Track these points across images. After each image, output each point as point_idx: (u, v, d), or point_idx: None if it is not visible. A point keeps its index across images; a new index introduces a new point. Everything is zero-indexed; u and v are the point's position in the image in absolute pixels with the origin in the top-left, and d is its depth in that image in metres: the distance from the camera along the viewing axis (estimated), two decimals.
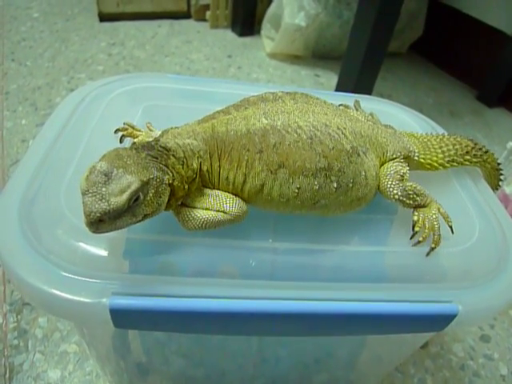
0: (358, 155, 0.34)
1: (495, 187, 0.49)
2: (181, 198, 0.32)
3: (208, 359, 0.54)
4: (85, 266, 0.31)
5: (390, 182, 0.36)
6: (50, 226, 0.33)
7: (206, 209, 0.32)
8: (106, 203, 0.26)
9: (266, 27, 1.45)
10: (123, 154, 0.29)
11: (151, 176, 0.29)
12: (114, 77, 0.52)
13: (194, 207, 0.32)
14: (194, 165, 0.32)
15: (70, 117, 0.44)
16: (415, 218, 0.36)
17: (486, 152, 0.44)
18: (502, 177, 0.49)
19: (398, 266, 0.36)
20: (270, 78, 1.35)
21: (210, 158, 0.33)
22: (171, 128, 0.34)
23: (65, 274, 0.30)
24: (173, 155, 0.31)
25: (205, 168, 0.32)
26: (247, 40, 1.56)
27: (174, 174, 0.31)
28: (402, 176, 0.36)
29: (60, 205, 0.34)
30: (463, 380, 0.66)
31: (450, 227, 0.36)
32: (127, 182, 0.27)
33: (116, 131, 0.41)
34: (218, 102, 0.49)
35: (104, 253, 0.32)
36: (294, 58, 1.47)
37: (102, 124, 0.43)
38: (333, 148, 0.33)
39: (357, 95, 0.54)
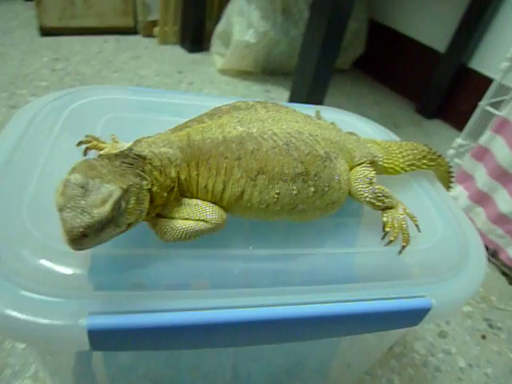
0: (331, 160, 0.35)
1: (447, 188, 0.53)
2: (159, 207, 0.31)
3: (179, 382, 0.52)
4: (55, 286, 0.29)
5: (360, 186, 0.37)
6: (11, 244, 0.31)
7: (185, 219, 0.31)
8: (89, 216, 0.25)
9: (215, 44, 1.47)
10: (95, 164, 0.27)
11: (130, 183, 0.27)
12: (68, 90, 0.50)
13: (172, 218, 0.31)
14: (172, 173, 0.31)
15: (24, 131, 0.41)
16: (384, 219, 0.38)
17: (440, 156, 0.48)
18: (452, 179, 0.53)
19: (370, 266, 0.38)
20: (222, 93, 1.36)
21: (188, 166, 0.32)
22: (143, 137, 0.33)
23: (33, 295, 0.28)
24: (149, 163, 0.30)
25: (183, 177, 0.32)
26: (197, 56, 1.56)
27: (153, 180, 0.30)
28: (370, 180, 0.38)
29: (22, 222, 0.32)
30: (426, 376, 0.68)
31: (417, 226, 0.38)
32: (108, 191, 0.25)
33: (79, 144, 0.39)
34: (181, 113, 0.49)
35: (75, 271, 0.30)
36: (245, 74, 1.49)
37: (62, 138, 0.41)
38: (308, 153, 0.34)
39: (317, 106, 0.56)
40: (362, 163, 0.40)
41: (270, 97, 1.40)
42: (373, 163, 0.41)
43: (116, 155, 0.29)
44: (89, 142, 0.39)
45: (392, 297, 0.34)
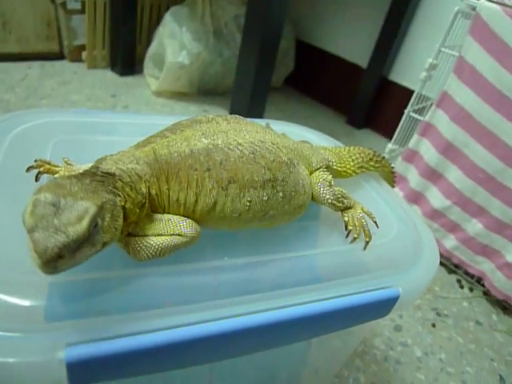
0: (294, 166, 0.37)
1: (392, 186, 0.57)
2: (132, 224, 0.30)
3: None
4: (19, 320, 0.26)
5: (321, 189, 0.39)
6: None
7: (159, 234, 0.30)
8: (64, 235, 0.23)
9: (148, 66, 1.46)
10: (64, 183, 0.26)
11: (104, 199, 0.26)
12: (4, 115, 0.47)
13: (145, 235, 0.30)
14: (143, 189, 0.30)
15: None
16: (346, 218, 0.40)
17: (383, 158, 0.51)
18: (395, 178, 0.57)
19: (335, 265, 0.39)
20: (159, 115, 1.34)
21: (157, 180, 0.31)
22: (106, 156, 0.32)
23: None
24: (119, 180, 0.29)
25: (153, 192, 0.31)
26: (129, 79, 1.53)
27: (125, 196, 0.29)
28: (329, 183, 0.40)
29: None
30: (389, 370, 0.72)
31: (375, 222, 0.41)
32: (83, 208, 0.24)
33: (29, 169, 0.36)
34: (131, 133, 0.48)
35: (38, 302, 0.28)
36: (181, 95, 1.49)
37: (7, 165, 0.38)
38: (273, 160, 0.35)
39: (265, 120, 0.57)
40: (319, 168, 0.42)
41: None
42: (328, 168, 0.43)
43: (83, 174, 0.28)
44: (40, 166, 0.36)
45: (361, 291, 0.36)
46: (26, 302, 0.27)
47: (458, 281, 0.95)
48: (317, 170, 0.42)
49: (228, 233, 0.36)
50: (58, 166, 0.37)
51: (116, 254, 0.31)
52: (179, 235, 0.30)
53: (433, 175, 0.95)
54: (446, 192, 0.93)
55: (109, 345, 0.26)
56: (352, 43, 1.53)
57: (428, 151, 0.94)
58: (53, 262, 0.23)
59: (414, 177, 0.98)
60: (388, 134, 1.47)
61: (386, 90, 1.47)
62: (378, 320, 0.41)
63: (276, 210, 0.35)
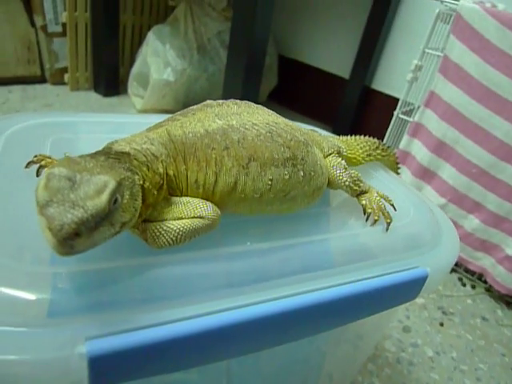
0: (311, 146, 0.36)
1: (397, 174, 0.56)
2: (149, 208, 0.28)
3: None
4: (33, 314, 0.24)
5: (338, 172, 0.38)
6: None
7: (179, 218, 0.28)
8: (82, 209, 0.21)
9: (132, 85, 1.45)
10: (78, 160, 0.24)
11: (122, 176, 0.24)
12: None
13: (164, 220, 0.28)
14: (160, 169, 0.28)
15: None
16: (363, 202, 0.39)
17: (389, 147, 0.51)
18: (399, 168, 0.56)
19: (357, 247, 0.37)
20: None
21: (175, 161, 0.30)
22: (118, 139, 0.30)
23: (6, 328, 0.23)
24: (135, 159, 0.27)
25: (171, 172, 0.29)
26: (113, 100, 1.52)
27: (143, 176, 0.27)
28: (344, 166, 0.39)
29: None
30: (402, 372, 0.69)
31: (392, 205, 0.40)
32: (102, 182, 0.22)
33: (29, 164, 0.34)
34: (130, 131, 0.46)
35: (49, 295, 0.25)
36: (166, 112, 1.47)
37: (6, 161, 0.36)
38: (291, 139, 0.34)
39: None
40: (331, 153, 0.41)
41: None
42: (339, 153, 0.42)
43: (96, 153, 0.26)
44: (40, 160, 0.34)
45: (388, 272, 0.34)
46: (32, 296, 0.25)
47: (460, 279, 0.94)
48: (329, 155, 0.41)
49: (239, 220, 0.34)
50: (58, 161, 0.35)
51: (123, 243, 0.29)
52: (200, 218, 0.28)
53: (426, 174, 0.96)
54: (441, 190, 0.94)
55: (132, 337, 0.24)
56: (333, 55, 1.56)
57: (420, 151, 0.95)
58: (69, 240, 0.20)
59: (407, 177, 0.98)
60: None
61: (369, 98, 1.50)
62: (386, 322, 0.39)
63: (297, 190, 0.34)
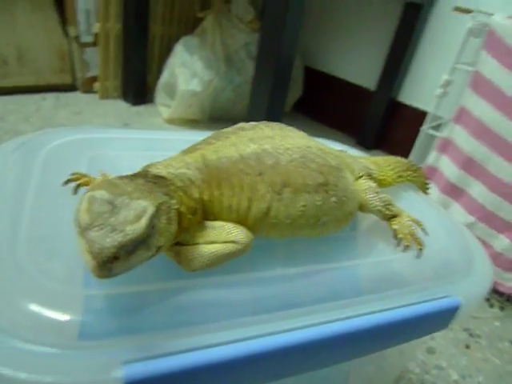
0: (343, 171, 0.36)
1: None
2: (182, 232, 0.28)
3: None
4: (69, 336, 0.25)
5: (369, 196, 0.38)
6: (6, 293, 0.26)
7: (212, 242, 0.29)
8: (121, 234, 0.21)
9: (160, 95, 1.48)
10: (117, 182, 0.25)
11: (160, 201, 0.25)
12: (32, 133, 0.46)
13: (197, 243, 0.29)
14: (195, 194, 0.29)
15: None
16: (394, 226, 0.38)
17: (419, 168, 0.50)
18: (428, 191, 0.56)
19: (385, 275, 0.37)
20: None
21: (209, 186, 0.30)
22: (154, 162, 0.31)
23: (40, 348, 0.23)
24: (171, 184, 0.28)
25: (205, 197, 0.30)
26: (141, 108, 1.55)
27: (180, 200, 0.27)
28: (375, 190, 0.39)
29: (18, 268, 0.27)
30: None
31: (423, 230, 0.39)
32: (141, 207, 0.23)
33: (66, 182, 0.35)
34: (160, 148, 0.47)
35: (83, 317, 0.26)
36: (192, 122, 1.50)
37: (44, 178, 0.37)
38: (324, 164, 0.34)
39: None
40: (362, 176, 0.41)
41: None
42: (369, 176, 0.42)
43: (134, 175, 0.27)
44: (78, 179, 0.35)
45: (418, 301, 0.34)
46: (65, 317, 0.26)
47: (488, 300, 0.92)
48: (360, 177, 0.40)
49: (263, 244, 0.35)
50: (95, 179, 0.36)
51: (155, 265, 0.30)
52: (233, 242, 0.29)
53: (454, 191, 0.94)
54: (469, 208, 0.92)
55: (168, 362, 0.24)
56: (359, 67, 1.55)
57: (448, 167, 0.93)
58: (108, 263, 0.21)
59: (434, 194, 0.96)
60: (400, 154, 1.46)
61: (395, 111, 1.48)
62: (410, 342, 0.38)
63: (329, 215, 0.34)
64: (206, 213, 0.30)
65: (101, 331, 0.25)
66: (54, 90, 1.50)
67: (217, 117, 1.54)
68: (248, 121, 1.14)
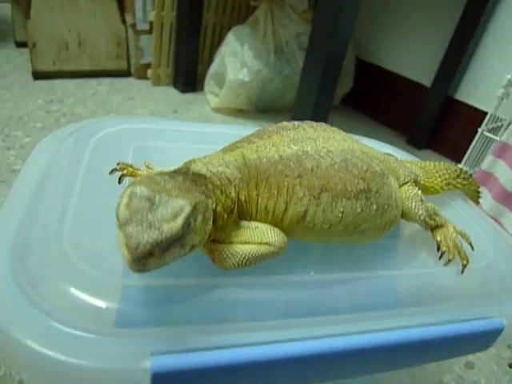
0: (387, 177, 0.34)
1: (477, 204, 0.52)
2: (218, 230, 0.29)
3: None
4: (104, 322, 0.26)
5: (413, 204, 0.36)
6: (52, 277, 0.27)
7: (246, 242, 0.29)
8: (157, 231, 0.22)
9: (209, 84, 1.49)
10: (158, 179, 0.25)
11: (197, 200, 0.25)
12: (87, 120, 0.48)
13: (231, 242, 0.29)
14: (233, 194, 0.29)
15: (50, 164, 0.39)
16: (438, 238, 0.36)
17: (471, 175, 0.47)
18: (480, 200, 0.52)
19: (424, 288, 0.35)
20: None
21: (247, 186, 0.30)
22: (195, 158, 0.31)
23: (82, 334, 0.24)
24: (210, 182, 0.28)
25: (242, 197, 0.30)
26: (190, 96, 1.58)
27: (216, 199, 0.28)
28: (421, 197, 0.37)
29: (63, 253, 0.29)
30: None
31: (470, 244, 0.37)
32: (179, 206, 0.23)
33: (112, 171, 0.37)
34: (205, 141, 0.48)
35: (122, 305, 0.27)
36: (239, 112, 1.51)
37: (92, 165, 0.39)
38: (367, 170, 0.33)
39: None
40: (407, 182, 0.39)
41: None
42: (416, 182, 0.40)
43: (175, 172, 0.27)
44: (123, 168, 0.37)
45: (458, 319, 0.32)
46: (103, 304, 0.27)
47: None
48: (405, 183, 0.39)
49: (299, 247, 0.34)
50: (139, 170, 0.37)
51: (193, 261, 0.30)
52: (267, 244, 0.29)
53: (509, 199, 0.88)
54: None
55: (197, 357, 0.25)
56: (415, 61, 1.48)
57: (504, 173, 0.87)
58: (143, 259, 0.22)
59: (487, 200, 0.91)
60: (452, 155, 1.40)
61: (451, 109, 1.40)
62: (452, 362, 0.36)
63: (368, 223, 0.33)
64: (242, 213, 0.30)
65: (136, 320, 0.26)
66: (109, 75, 1.56)
67: (264, 107, 1.54)
68: (294, 112, 1.13)
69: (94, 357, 0.24)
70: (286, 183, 0.30)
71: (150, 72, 1.57)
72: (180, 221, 0.23)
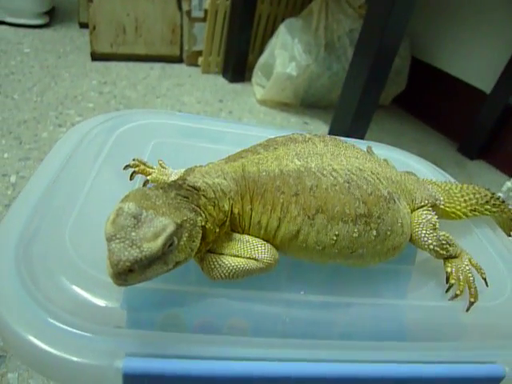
0: (395, 202, 0.33)
1: (508, 235, 0.48)
2: (210, 243, 0.29)
3: None
4: (90, 318, 0.27)
5: (423, 232, 0.34)
6: (51, 269, 0.29)
7: (235, 255, 0.29)
8: (138, 250, 0.23)
9: (256, 75, 1.49)
10: (150, 194, 0.26)
11: (184, 218, 0.26)
12: (116, 112, 0.50)
13: (222, 253, 0.29)
14: (226, 206, 0.29)
15: (72, 152, 0.41)
16: (448, 269, 0.34)
17: (503, 202, 0.44)
18: None
19: (427, 322, 0.34)
20: (260, 123, 1.36)
21: (242, 199, 0.30)
22: (196, 166, 0.32)
23: (65, 327, 0.26)
24: (203, 195, 0.28)
25: (236, 210, 0.30)
26: (238, 86, 1.58)
27: (207, 216, 0.28)
28: (433, 225, 0.35)
29: (64, 247, 0.31)
30: None
31: (484, 279, 0.34)
32: (161, 225, 0.24)
33: (126, 167, 0.38)
34: (229, 142, 0.48)
35: (112, 304, 0.28)
36: (284, 106, 1.50)
37: (108, 160, 0.40)
38: (371, 193, 0.31)
39: (367, 141, 0.53)
40: (423, 206, 0.37)
41: (309, 129, 1.39)
42: (434, 206, 0.38)
43: (170, 185, 0.28)
44: (136, 165, 0.38)
45: (456, 361, 0.30)
46: (99, 302, 0.28)
47: None
48: (420, 207, 0.37)
49: (307, 264, 0.34)
50: (152, 168, 0.38)
51: (193, 268, 0.31)
52: (255, 260, 0.29)
53: None
54: None
55: (170, 364, 0.25)
56: (475, 65, 1.38)
57: None
58: (123, 274, 0.23)
59: None
60: (507, 169, 1.30)
61: (510, 119, 1.30)
62: None
63: (366, 249, 0.31)
64: (234, 225, 0.30)
65: (120, 321, 0.28)
66: (162, 60, 1.60)
67: (310, 103, 1.51)
68: (337, 110, 1.09)
69: (72, 350, 0.25)
70: (281, 200, 0.30)
71: (200, 59, 1.59)
72: (160, 241, 0.24)
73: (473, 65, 1.40)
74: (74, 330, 0.25)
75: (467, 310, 0.32)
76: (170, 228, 0.24)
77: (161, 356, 0.26)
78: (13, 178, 0.88)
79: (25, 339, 0.24)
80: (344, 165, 0.32)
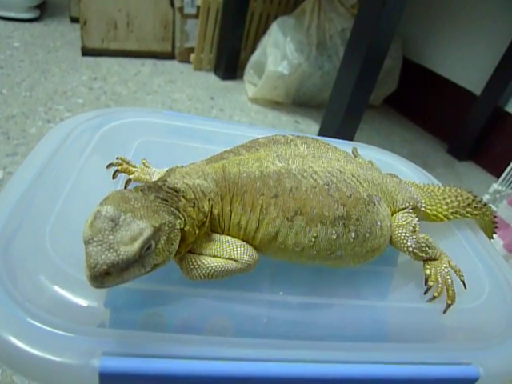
0: (374, 204, 0.33)
1: (490, 238, 0.49)
2: (190, 245, 0.29)
3: None
4: (68, 318, 0.27)
5: (403, 234, 0.35)
6: (29, 268, 0.29)
7: (214, 256, 0.29)
8: (115, 253, 0.23)
9: (248, 73, 1.49)
10: (129, 197, 0.26)
11: (163, 221, 0.26)
12: (103, 109, 0.50)
13: (201, 254, 0.29)
14: (205, 207, 0.29)
15: (56, 150, 0.40)
16: (427, 271, 0.35)
17: (485, 205, 0.44)
18: (496, 229, 0.49)
19: (406, 324, 0.34)
20: (251, 121, 1.36)
21: (221, 200, 0.30)
22: (177, 167, 0.32)
23: (43, 326, 0.26)
24: (183, 197, 0.28)
25: (215, 211, 0.30)
26: (229, 84, 1.58)
27: (186, 218, 0.28)
28: (413, 227, 0.35)
29: (44, 246, 0.30)
30: None
31: (463, 282, 0.35)
32: (139, 229, 0.24)
33: (109, 166, 0.38)
34: (213, 141, 0.48)
35: (92, 303, 0.28)
36: (275, 104, 1.50)
37: (92, 158, 0.40)
38: (350, 196, 0.32)
39: (353, 143, 0.54)
40: (404, 208, 0.37)
41: (300, 128, 1.39)
42: (415, 209, 0.38)
43: (150, 187, 0.28)
44: (119, 164, 0.38)
45: (431, 362, 0.30)
46: (78, 301, 0.28)
47: None
48: (401, 210, 0.37)
49: (289, 265, 0.34)
50: (134, 167, 0.38)
51: (174, 267, 0.31)
52: (234, 260, 0.29)
53: None
54: None
55: (147, 363, 0.25)
56: (466, 67, 1.39)
57: None
58: (100, 277, 0.23)
59: None
60: (495, 171, 1.32)
61: (499, 121, 1.32)
62: None
63: (344, 250, 0.32)
64: (214, 226, 0.31)
65: (99, 320, 0.28)
66: (153, 56, 1.59)
67: (301, 102, 1.51)
68: (328, 109, 1.09)
69: (51, 350, 0.25)
70: (260, 201, 0.30)
71: (192, 56, 1.59)
72: (137, 245, 0.24)
73: (463, 67, 1.41)
74: (53, 330, 0.25)
75: (444, 311, 0.33)
76: (148, 232, 0.24)
77: (140, 355, 0.26)
78: (0, 174, 0.87)
79: (3, 339, 0.24)
80: (325, 167, 0.32)
